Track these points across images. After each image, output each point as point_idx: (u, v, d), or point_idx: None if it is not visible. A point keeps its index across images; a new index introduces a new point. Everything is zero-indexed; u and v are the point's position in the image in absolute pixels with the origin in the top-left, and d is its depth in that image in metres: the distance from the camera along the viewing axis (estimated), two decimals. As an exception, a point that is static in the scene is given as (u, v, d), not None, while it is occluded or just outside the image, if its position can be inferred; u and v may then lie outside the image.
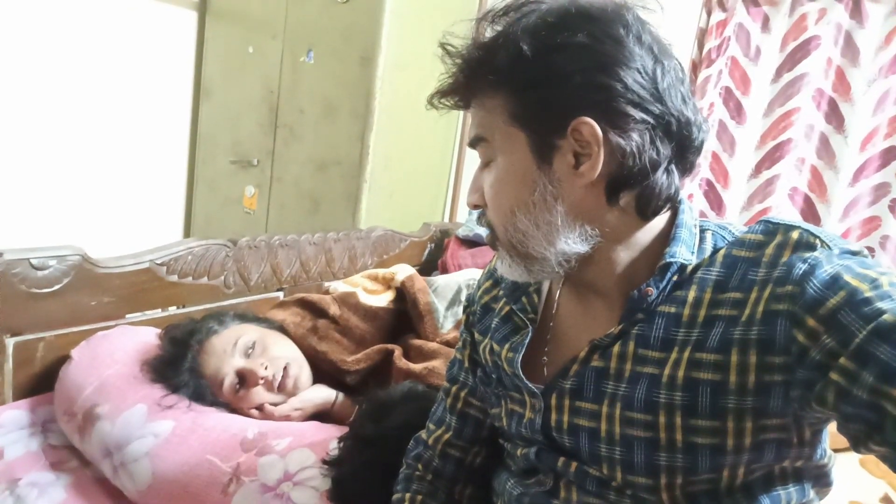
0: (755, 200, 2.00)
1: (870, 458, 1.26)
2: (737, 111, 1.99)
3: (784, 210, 1.97)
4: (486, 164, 0.66)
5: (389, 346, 1.23)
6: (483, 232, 2.02)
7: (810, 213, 1.93)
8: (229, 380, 1.09)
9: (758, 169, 1.99)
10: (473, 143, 0.66)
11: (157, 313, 1.32)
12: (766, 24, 1.95)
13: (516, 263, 0.65)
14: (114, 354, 1.12)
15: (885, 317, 0.47)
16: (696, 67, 2.05)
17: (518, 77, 0.59)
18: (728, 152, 2.01)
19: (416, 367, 1.12)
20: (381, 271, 1.39)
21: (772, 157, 1.96)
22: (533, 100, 0.59)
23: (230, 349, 1.11)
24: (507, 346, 0.72)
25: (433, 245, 2.12)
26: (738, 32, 1.97)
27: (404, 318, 1.35)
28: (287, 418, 1.09)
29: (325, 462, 0.93)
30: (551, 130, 0.59)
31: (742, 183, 2.04)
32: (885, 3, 1.80)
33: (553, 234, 0.61)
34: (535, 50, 0.57)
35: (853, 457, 1.25)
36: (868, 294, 0.49)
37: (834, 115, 1.88)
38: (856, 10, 1.82)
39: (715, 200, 2.08)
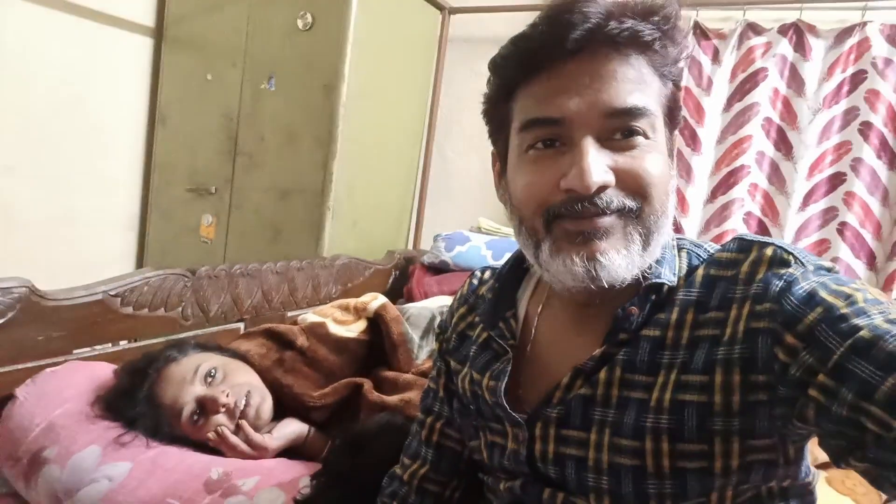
0: (712, 225, 2.05)
1: (835, 476, 1.28)
2: (692, 139, 2.05)
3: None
4: (626, 140, 0.57)
5: (358, 379, 1.18)
6: (449, 259, 2.00)
7: (764, 236, 1.99)
8: (188, 409, 1.03)
9: (713, 195, 2.06)
10: (635, 114, 0.57)
11: (108, 348, 1.25)
12: (716, 56, 2.03)
13: (637, 253, 0.58)
14: (64, 392, 1.05)
15: (861, 333, 0.47)
16: (651, 97, 2.11)
17: (674, 54, 0.60)
18: (685, 179, 2.07)
19: (391, 399, 1.08)
20: (352, 301, 1.35)
21: (726, 183, 2.02)
22: (673, 76, 0.61)
23: (190, 377, 1.05)
24: (487, 374, 0.70)
25: (398, 273, 2.10)
26: (690, 64, 2.05)
27: (376, 349, 1.30)
28: (262, 455, 1.03)
29: (296, 502, 0.88)
30: (677, 113, 0.63)
31: (699, 208, 2.10)
32: (825, 38, 1.90)
33: (669, 220, 0.62)
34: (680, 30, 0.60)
35: (818, 475, 1.26)
36: (844, 311, 0.49)
37: (783, 143, 1.97)
38: (799, 44, 1.92)
39: (673, 226, 2.13)
